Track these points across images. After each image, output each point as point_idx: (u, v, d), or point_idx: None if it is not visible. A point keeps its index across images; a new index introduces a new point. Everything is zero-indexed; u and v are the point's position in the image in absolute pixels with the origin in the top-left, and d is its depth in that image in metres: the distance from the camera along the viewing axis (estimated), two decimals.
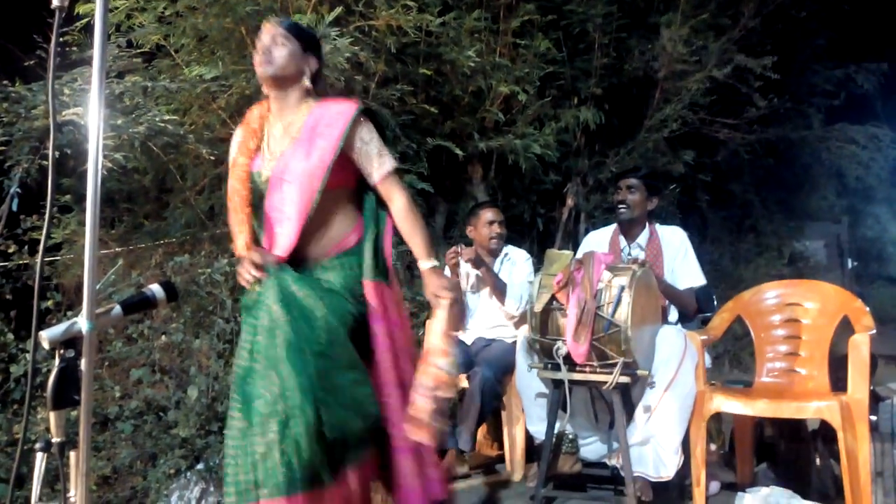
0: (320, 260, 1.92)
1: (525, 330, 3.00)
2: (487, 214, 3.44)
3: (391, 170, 1.94)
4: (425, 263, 1.91)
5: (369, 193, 2.00)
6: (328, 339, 1.79)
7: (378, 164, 1.93)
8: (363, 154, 1.92)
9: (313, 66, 1.96)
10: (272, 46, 1.90)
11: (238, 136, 2.02)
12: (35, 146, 2.91)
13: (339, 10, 3.54)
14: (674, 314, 3.04)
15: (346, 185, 1.95)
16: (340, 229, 1.94)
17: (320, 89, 2.01)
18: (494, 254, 3.46)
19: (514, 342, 3.20)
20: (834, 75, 7.02)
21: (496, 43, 4.63)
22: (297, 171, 1.88)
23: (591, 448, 2.81)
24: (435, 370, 1.78)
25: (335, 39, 3.39)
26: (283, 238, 1.89)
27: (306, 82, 1.94)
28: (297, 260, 1.91)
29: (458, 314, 1.93)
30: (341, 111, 1.91)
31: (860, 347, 2.50)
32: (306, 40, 1.96)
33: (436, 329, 1.84)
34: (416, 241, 1.94)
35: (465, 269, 3.37)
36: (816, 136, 7.03)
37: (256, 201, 1.93)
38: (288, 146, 1.91)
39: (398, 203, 1.94)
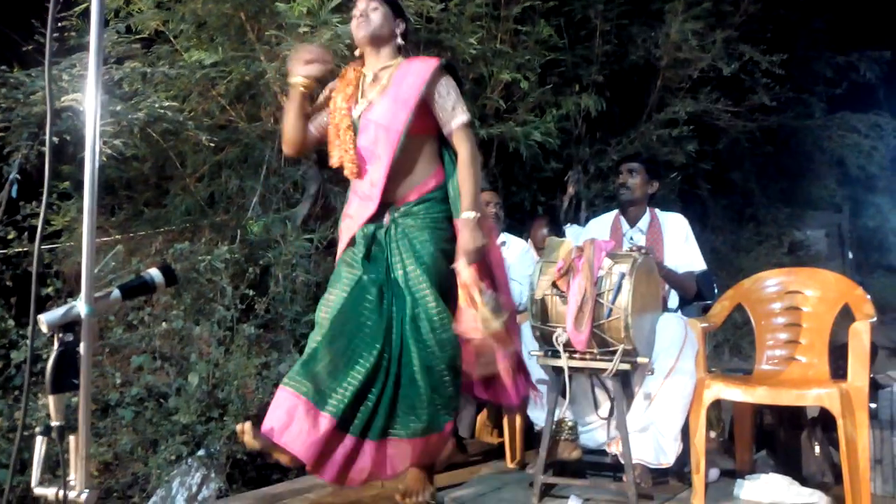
0: (405, 201, 2.23)
1: (524, 317, 3.00)
2: (484, 196, 3.47)
3: (464, 122, 2.20)
4: (466, 213, 2.16)
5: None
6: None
7: (452, 115, 2.19)
8: (440, 106, 2.19)
9: (402, 28, 2.28)
10: (368, 10, 2.21)
11: (333, 85, 2.33)
12: (34, 132, 2.90)
13: None
14: (674, 301, 3.04)
15: (427, 132, 2.23)
16: (422, 174, 2.24)
17: (410, 47, 2.34)
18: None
19: None
20: (836, 63, 6.98)
21: (497, 29, 4.61)
22: (385, 115, 2.17)
23: (591, 435, 2.82)
24: (485, 302, 2.07)
25: (336, 26, 3.37)
26: (375, 174, 2.19)
27: (398, 40, 2.27)
28: (386, 201, 2.21)
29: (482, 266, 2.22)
30: (425, 65, 2.20)
31: (860, 335, 2.50)
32: (394, 5, 2.27)
33: (466, 276, 2.12)
34: (465, 190, 2.18)
35: None
36: (818, 125, 7.02)
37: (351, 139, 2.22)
38: (377, 94, 2.20)
39: (463, 153, 2.20)
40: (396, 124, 2.15)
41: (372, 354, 2.10)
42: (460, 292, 2.17)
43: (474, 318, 2.09)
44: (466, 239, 2.14)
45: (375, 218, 2.24)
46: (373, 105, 2.21)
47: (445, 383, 2.18)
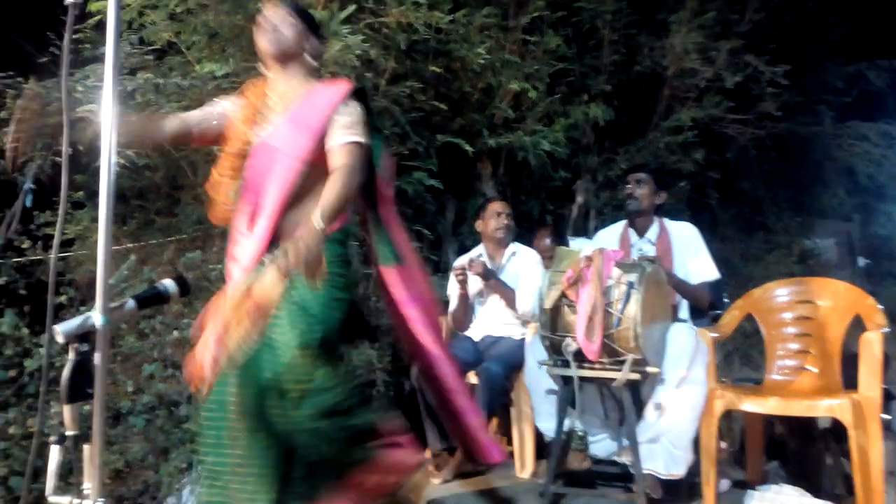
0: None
1: (534, 327, 3.00)
2: (495, 206, 3.52)
3: (354, 142, 1.88)
4: (315, 220, 1.74)
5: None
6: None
7: (344, 132, 1.89)
8: (335, 121, 1.90)
9: (315, 47, 2.03)
10: (279, 24, 1.97)
11: (233, 106, 2.06)
12: (48, 143, 2.93)
13: (351, 7, 3.54)
14: (684, 311, 3.04)
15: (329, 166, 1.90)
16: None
17: (318, 71, 2.08)
18: (502, 244, 3.49)
19: (523, 339, 3.21)
20: (846, 72, 6.96)
21: (506, 40, 4.62)
22: (287, 140, 1.91)
23: (601, 445, 2.81)
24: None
25: (346, 37, 3.39)
26: (267, 206, 1.88)
27: (308, 60, 2.01)
28: (277, 238, 1.86)
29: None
30: (335, 88, 1.96)
31: (872, 345, 2.49)
32: (308, 21, 2.04)
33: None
34: (326, 197, 1.78)
35: (472, 277, 3.38)
36: (828, 133, 6.98)
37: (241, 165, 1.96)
38: (282, 116, 1.95)
39: (339, 163, 1.86)
40: (296, 150, 1.88)
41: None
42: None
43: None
44: (298, 244, 1.68)
45: (261, 260, 1.87)
46: (275, 127, 1.95)
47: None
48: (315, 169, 1.88)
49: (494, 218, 3.48)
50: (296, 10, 2.03)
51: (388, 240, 2.05)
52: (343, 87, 1.96)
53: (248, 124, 1.98)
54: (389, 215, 2.08)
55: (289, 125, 1.93)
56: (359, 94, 1.98)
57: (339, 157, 1.88)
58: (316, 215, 1.75)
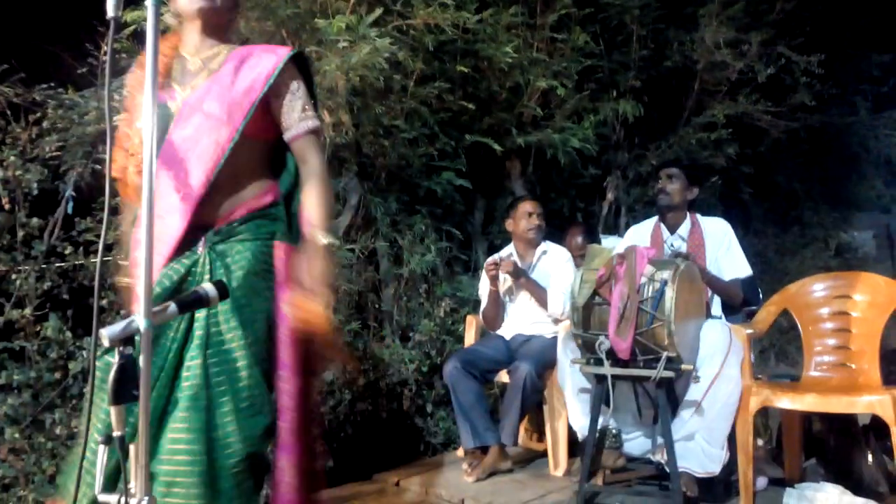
0: (228, 220, 1.72)
1: (566, 325, 3.00)
2: (526, 206, 3.50)
3: (313, 128, 1.77)
4: (320, 238, 1.68)
5: (290, 154, 1.84)
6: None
7: (301, 117, 1.76)
8: (287, 104, 1.75)
9: (239, 6, 1.85)
10: None
11: (132, 74, 1.83)
12: (88, 151, 3.01)
13: (378, 11, 3.57)
14: (717, 308, 3.01)
15: (265, 136, 1.78)
16: (254, 188, 1.75)
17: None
18: (533, 244, 3.49)
19: (555, 337, 3.21)
20: (881, 60, 6.81)
21: (533, 38, 4.61)
22: (214, 104, 1.70)
23: (636, 443, 2.80)
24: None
25: (374, 40, 3.42)
26: (193, 180, 1.67)
27: (237, 21, 1.87)
28: (202, 219, 1.69)
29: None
30: (273, 51, 1.77)
31: None
32: None
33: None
34: (319, 210, 1.71)
35: (502, 275, 3.39)
36: (863, 124, 6.85)
37: (160, 137, 1.66)
38: (205, 80, 1.73)
39: (312, 164, 1.75)
40: (233, 116, 1.68)
41: None
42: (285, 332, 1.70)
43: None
44: (319, 270, 1.65)
45: (183, 245, 1.69)
46: (197, 91, 1.72)
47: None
48: (250, 141, 1.72)
49: (525, 218, 3.48)
50: None
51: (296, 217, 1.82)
52: (283, 53, 1.75)
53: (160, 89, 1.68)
54: None
55: (219, 90, 1.70)
56: (298, 61, 1.80)
57: (308, 150, 1.76)
58: (317, 232, 1.68)
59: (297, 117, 1.76)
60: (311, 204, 1.73)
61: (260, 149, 1.78)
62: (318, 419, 1.81)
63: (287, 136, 1.77)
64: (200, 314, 1.63)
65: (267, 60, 1.73)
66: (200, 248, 1.71)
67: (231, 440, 1.58)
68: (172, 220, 1.68)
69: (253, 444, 1.61)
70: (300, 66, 1.80)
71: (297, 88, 1.77)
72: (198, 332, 1.63)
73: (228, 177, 1.70)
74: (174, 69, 1.77)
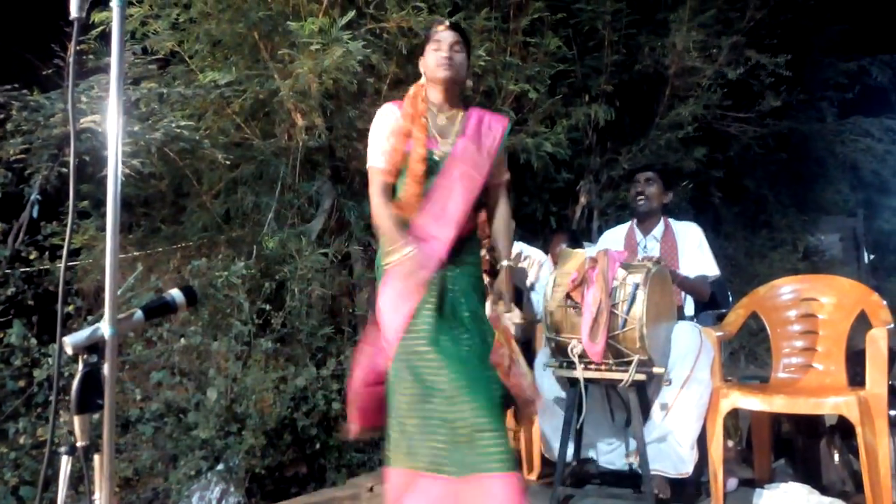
0: (463, 234, 2.20)
1: (540, 328, 3.00)
2: None
3: (508, 179, 2.36)
4: (503, 262, 2.30)
5: None
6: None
7: (503, 170, 2.34)
8: (498, 160, 2.29)
9: (471, 73, 2.36)
10: (454, 51, 2.20)
11: (392, 119, 2.24)
12: (54, 154, 2.96)
13: (351, 13, 3.56)
14: (690, 308, 3.04)
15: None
16: (471, 215, 2.26)
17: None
18: None
19: (529, 340, 3.21)
20: (847, 68, 6.96)
21: (506, 42, 4.63)
22: (474, 159, 2.21)
23: (609, 458, 2.82)
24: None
25: (347, 43, 3.41)
26: (454, 210, 2.17)
27: (468, 83, 2.32)
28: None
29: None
30: (502, 122, 2.31)
31: (878, 342, 2.49)
32: (469, 46, 2.30)
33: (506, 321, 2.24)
34: (504, 242, 2.32)
35: None
36: (830, 130, 6.99)
37: (428, 176, 2.18)
38: (457, 136, 2.22)
39: (503, 206, 2.34)
40: (481, 170, 2.21)
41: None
42: (498, 336, 2.20)
43: (520, 373, 2.17)
44: (505, 285, 2.26)
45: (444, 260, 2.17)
46: (457, 145, 2.20)
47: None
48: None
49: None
50: (463, 36, 2.25)
51: None
52: (505, 121, 2.31)
53: (426, 138, 2.19)
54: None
55: (472, 147, 2.22)
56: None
57: (504, 195, 2.34)
58: (502, 257, 2.30)
59: (501, 171, 2.34)
60: (498, 236, 2.34)
61: (486, 188, 2.29)
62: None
63: (492, 182, 2.30)
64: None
65: (499, 128, 2.29)
66: (450, 262, 2.18)
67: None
68: (434, 245, 2.16)
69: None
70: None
71: (503, 149, 2.32)
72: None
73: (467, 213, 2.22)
74: (429, 122, 2.23)
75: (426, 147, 2.17)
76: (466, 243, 2.23)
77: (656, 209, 3.12)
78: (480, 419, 1.97)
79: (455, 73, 2.19)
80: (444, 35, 2.20)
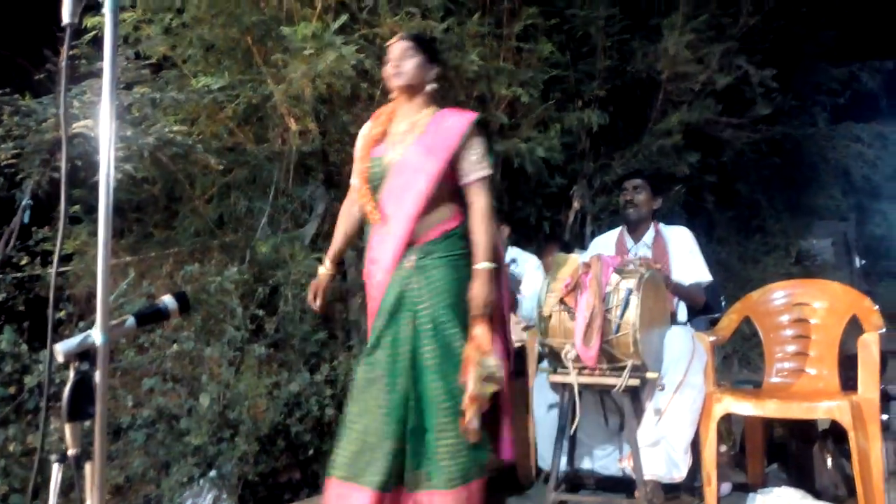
0: (427, 239, 2.23)
1: (534, 333, 3.00)
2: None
3: (483, 176, 2.26)
4: (480, 264, 2.21)
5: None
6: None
7: (474, 168, 2.25)
8: (465, 158, 2.24)
9: (435, 73, 2.31)
10: (401, 59, 2.25)
11: (366, 129, 2.38)
12: (46, 159, 2.94)
13: (343, 18, 3.56)
14: (683, 314, 3.05)
15: (453, 179, 2.26)
16: (443, 215, 2.25)
17: (439, 94, 2.38)
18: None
19: (521, 346, 3.21)
20: (838, 73, 7.00)
21: (499, 47, 4.64)
22: (420, 162, 2.21)
23: (604, 463, 2.81)
24: (482, 368, 2.10)
25: (340, 47, 3.40)
26: (403, 214, 2.22)
27: (429, 88, 2.30)
28: (409, 241, 2.24)
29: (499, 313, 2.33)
30: (461, 119, 2.27)
31: (870, 347, 2.50)
32: (429, 51, 2.31)
33: (479, 332, 2.16)
34: (480, 241, 2.23)
35: None
36: (822, 135, 7.02)
37: (377, 182, 2.27)
38: (412, 141, 2.25)
39: (478, 204, 2.25)
40: (430, 170, 2.21)
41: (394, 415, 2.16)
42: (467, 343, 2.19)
43: (470, 377, 2.13)
44: (477, 291, 2.19)
45: (400, 259, 2.24)
46: (407, 150, 2.25)
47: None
48: (442, 183, 2.22)
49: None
50: (416, 42, 2.29)
51: None
52: (468, 118, 2.26)
53: (374, 145, 2.31)
54: None
55: (421, 149, 2.23)
56: (480, 123, 2.29)
57: (477, 194, 2.25)
58: (480, 258, 2.20)
59: (471, 168, 2.26)
60: (474, 236, 2.24)
61: (449, 186, 2.26)
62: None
63: (462, 182, 2.27)
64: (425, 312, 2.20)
65: (457, 126, 2.25)
66: (410, 262, 2.23)
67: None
68: (390, 246, 2.24)
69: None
70: (480, 125, 2.30)
71: (474, 146, 2.26)
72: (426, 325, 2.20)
73: (427, 209, 2.22)
74: (391, 129, 2.32)
75: (371, 154, 2.30)
76: (443, 241, 2.24)
77: (646, 216, 3.13)
78: (420, 435, 2.13)
79: (406, 80, 2.26)
80: (393, 47, 2.30)
